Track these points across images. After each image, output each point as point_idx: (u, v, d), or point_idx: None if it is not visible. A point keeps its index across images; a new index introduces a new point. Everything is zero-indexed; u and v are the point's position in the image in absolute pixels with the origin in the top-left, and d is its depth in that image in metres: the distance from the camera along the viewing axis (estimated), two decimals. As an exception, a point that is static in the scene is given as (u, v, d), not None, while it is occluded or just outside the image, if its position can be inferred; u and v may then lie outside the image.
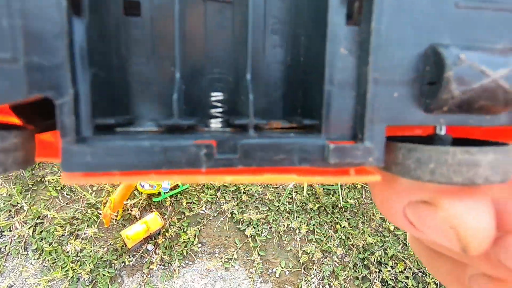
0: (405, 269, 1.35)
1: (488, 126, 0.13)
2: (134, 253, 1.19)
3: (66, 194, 1.22)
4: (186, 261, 1.22)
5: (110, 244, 1.18)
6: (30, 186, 1.22)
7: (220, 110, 0.13)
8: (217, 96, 0.13)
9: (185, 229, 1.24)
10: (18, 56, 0.10)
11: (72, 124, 0.10)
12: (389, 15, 0.11)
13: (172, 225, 1.24)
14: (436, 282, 1.33)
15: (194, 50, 0.14)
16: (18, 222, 1.16)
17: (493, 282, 0.13)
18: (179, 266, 1.20)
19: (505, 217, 0.12)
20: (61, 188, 1.22)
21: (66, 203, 1.21)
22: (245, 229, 1.28)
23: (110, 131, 0.11)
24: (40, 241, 1.15)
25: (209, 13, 0.14)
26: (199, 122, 0.12)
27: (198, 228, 1.26)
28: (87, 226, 1.19)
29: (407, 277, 1.33)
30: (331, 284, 1.27)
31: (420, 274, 1.35)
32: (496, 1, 0.11)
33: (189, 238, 1.23)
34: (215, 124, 0.12)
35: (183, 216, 1.27)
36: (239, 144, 0.11)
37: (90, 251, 1.15)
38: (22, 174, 1.22)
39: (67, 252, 1.13)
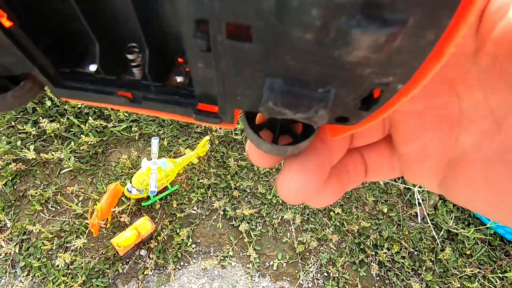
0: (401, 250, 1.36)
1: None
2: (127, 260, 1.17)
3: (51, 206, 1.19)
4: (182, 263, 1.21)
5: (102, 253, 1.15)
6: (13, 202, 1.17)
7: (138, 61, 0.16)
8: (133, 54, 0.16)
9: (177, 231, 1.22)
10: None
11: (46, 81, 0.15)
12: (228, 60, 0.13)
13: (164, 228, 1.22)
14: (432, 259, 1.35)
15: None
16: (3, 240, 1.12)
17: None
18: (174, 269, 1.18)
19: None
20: (45, 201, 1.19)
21: (52, 216, 1.18)
22: (239, 225, 1.27)
23: (72, 73, 0.16)
24: (28, 257, 1.11)
25: None
26: (123, 69, 0.17)
27: (191, 229, 1.24)
28: (76, 237, 1.15)
29: (403, 257, 1.34)
30: (329, 271, 1.27)
31: (416, 253, 1.37)
32: (316, 61, 0.12)
33: (182, 239, 1.21)
34: (136, 71, 0.16)
35: (174, 218, 1.25)
36: (143, 100, 0.16)
37: (81, 263, 1.12)
38: (3, 191, 1.17)
39: (57, 266, 1.10)
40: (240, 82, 0.14)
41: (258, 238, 1.28)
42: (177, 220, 1.24)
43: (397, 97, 0.13)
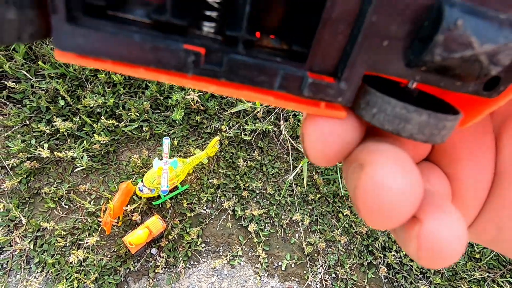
0: (409, 252, 1.36)
1: (456, 91, 0.13)
2: (138, 258, 1.19)
3: (64, 204, 1.21)
4: (191, 262, 1.22)
5: (113, 251, 1.17)
6: (27, 199, 1.20)
7: (216, 13, 0.12)
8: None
9: (187, 230, 1.24)
10: None
11: (62, 1, 0.10)
12: None
13: (174, 227, 1.23)
14: (441, 262, 1.34)
15: None
16: (18, 236, 1.15)
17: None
18: (184, 268, 1.20)
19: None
20: (58, 199, 1.21)
21: (65, 214, 1.20)
22: (248, 225, 1.28)
23: (101, 14, 0.11)
24: (42, 254, 1.14)
25: None
26: (192, 23, 0.11)
27: (201, 228, 1.25)
28: (89, 235, 1.17)
29: (411, 260, 1.34)
30: (337, 272, 1.27)
31: (424, 255, 1.36)
32: None
33: (192, 238, 1.22)
34: (208, 28, 0.12)
35: (184, 217, 1.26)
36: (226, 58, 0.11)
37: (94, 260, 1.14)
38: (17, 188, 1.20)
39: (71, 262, 1.12)
40: (404, 7, 0.10)
41: (267, 238, 1.29)
42: (187, 220, 1.26)
43: None
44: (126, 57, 0.10)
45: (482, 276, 1.31)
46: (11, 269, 1.12)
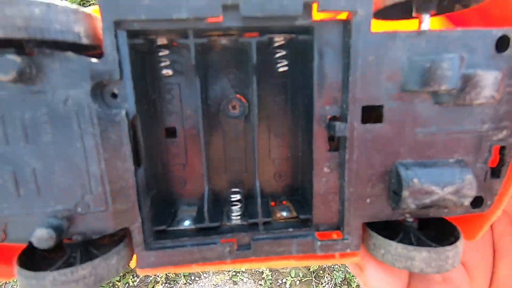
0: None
1: (448, 216, 0.16)
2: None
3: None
4: (192, 277, 1.18)
5: (112, 264, 1.14)
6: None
7: (239, 207, 0.18)
8: (236, 197, 0.18)
9: (189, 244, 1.20)
10: (108, 207, 0.15)
11: (141, 240, 0.15)
12: (359, 147, 0.14)
13: (175, 241, 1.20)
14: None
15: (217, 154, 0.20)
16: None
17: None
18: (185, 283, 1.16)
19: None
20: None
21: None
22: (252, 239, 1.24)
23: (163, 232, 0.17)
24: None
25: (226, 128, 0.20)
26: (223, 218, 0.17)
27: (203, 242, 1.22)
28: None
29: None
30: (344, 291, 1.22)
31: (434, 275, 1.31)
32: (447, 128, 0.14)
33: (194, 253, 1.19)
34: (235, 218, 0.17)
35: (186, 230, 1.23)
36: (252, 242, 0.16)
37: (92, 274, 1.11)
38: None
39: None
40: (370, 176, 0.14)
41: (271, 254, 1.25)
42: (189, 233, 1.22)
43: None
44: (181, 261, 0.16)
45: None
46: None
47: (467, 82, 0.13)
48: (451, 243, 0.15)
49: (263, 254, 0.15)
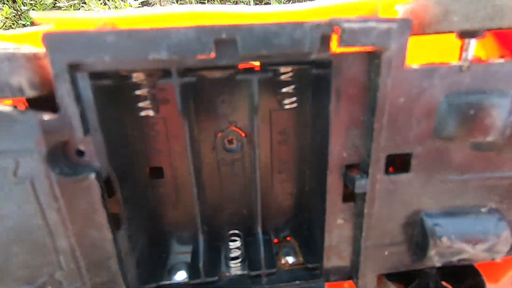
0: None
1: (473, 263, 0.15)
2: None
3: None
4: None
5: None
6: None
7: (238, 253, 0.17)
8: (235, 244, 0.17)
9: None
10: (85, 283, 0.14)
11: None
12: (381, 200, 0.13)
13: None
14: None
15: (212, 192, 0.18)
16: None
17: None
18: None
19: None
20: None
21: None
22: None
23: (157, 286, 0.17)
24: None
25: (221, 166, 0.18)
26: (222, 267, 0.17)
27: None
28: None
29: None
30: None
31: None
32: (484, 175, 0.13)
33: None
34: (235, 267, 0.16)
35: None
36: None
37: None
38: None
39: None
40: (390, 229, 0.12)
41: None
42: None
43: None
44: None
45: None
46: None
47: None
48: None
49: None
